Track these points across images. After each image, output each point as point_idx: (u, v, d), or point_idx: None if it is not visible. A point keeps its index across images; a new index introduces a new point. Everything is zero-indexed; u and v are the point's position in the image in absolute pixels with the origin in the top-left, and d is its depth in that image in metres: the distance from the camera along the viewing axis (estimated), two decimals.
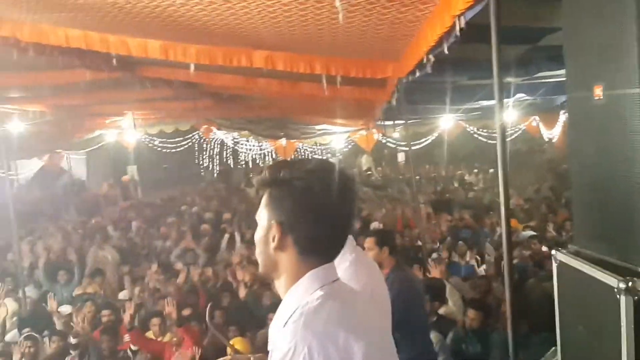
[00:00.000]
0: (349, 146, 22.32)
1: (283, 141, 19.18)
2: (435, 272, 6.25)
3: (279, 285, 1.54)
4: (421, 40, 4.38)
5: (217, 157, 25.45)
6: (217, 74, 7.94)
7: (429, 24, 4.02)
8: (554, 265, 2.47)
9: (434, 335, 4.77)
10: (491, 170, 17.61)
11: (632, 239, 2.01)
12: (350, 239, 2.38)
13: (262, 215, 1.53)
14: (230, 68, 6.50)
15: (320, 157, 23.88)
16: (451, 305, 5.74)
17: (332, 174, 1.51)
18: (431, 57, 4.48)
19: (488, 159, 17.90)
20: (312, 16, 4.24)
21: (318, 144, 22.01)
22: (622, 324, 1.89)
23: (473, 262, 7.91)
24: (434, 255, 7.71)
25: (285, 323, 1.41)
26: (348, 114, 13.16)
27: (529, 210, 11.87)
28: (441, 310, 5.74)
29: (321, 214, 1.48)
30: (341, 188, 1.51)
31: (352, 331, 1.35)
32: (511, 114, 13.77)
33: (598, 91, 2.14)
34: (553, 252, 2.50)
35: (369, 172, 23.69)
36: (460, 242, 8.37)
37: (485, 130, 17.41)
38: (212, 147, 24.84)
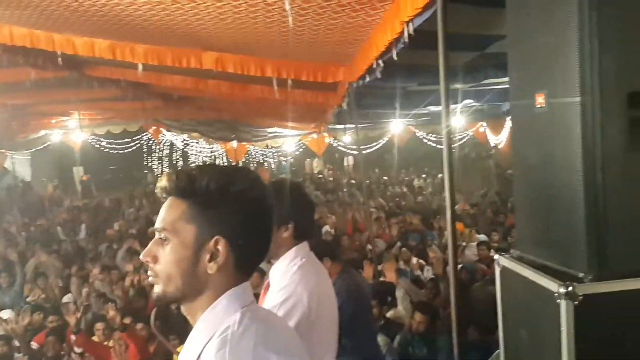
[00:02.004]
0: (300, 149, 22.35)
1: (234, 143, 19.06)
2: (388, 275, 6.29)
3: (193, 306, 1.34)
4: (371, 45, 4.42)
5: (167, 158, 25.09)
6: (166, 75, 7.84)
7: (379, 29, 4.06)
8: (497, 270, 2.49)
9: (381, 339, 4.78)
10: (440, 175, 17.87)
11: (572, 244, 2.04)
12: (305, 244, 2.35)
13: (181, 229, 1.32)
14: (179, 69, 6.43)
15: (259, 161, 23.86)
16: (400, 309, 5.77)
17: (260, 179, 1.40)
18: (381, 62, 4.53)
19: (437, 163, 18.12)
20: (262, 19, 4.22)
21: (269, 147, 21.96)
22: (562, 328, 1.91)
23: (418, 267, 7.92)
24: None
25: (201, 352, 1.25)
26: (299, 117, 13.17)
27: (475, 214, 12.08)
28: (389, 314, 5.77)
29: (264, 224, 1.37)
30: (272, 194, 1.42)
31: (283, 354, 1.25)
32: (459, 120, 14.06)
33: (540, 99, 2.16)
34: (496, 256, 2.51)
35: (320, 176, 23.77)
36: (403, 249, 8.34)
37: (434, 136, 17.68)
38: (162, 148, 24.48)
